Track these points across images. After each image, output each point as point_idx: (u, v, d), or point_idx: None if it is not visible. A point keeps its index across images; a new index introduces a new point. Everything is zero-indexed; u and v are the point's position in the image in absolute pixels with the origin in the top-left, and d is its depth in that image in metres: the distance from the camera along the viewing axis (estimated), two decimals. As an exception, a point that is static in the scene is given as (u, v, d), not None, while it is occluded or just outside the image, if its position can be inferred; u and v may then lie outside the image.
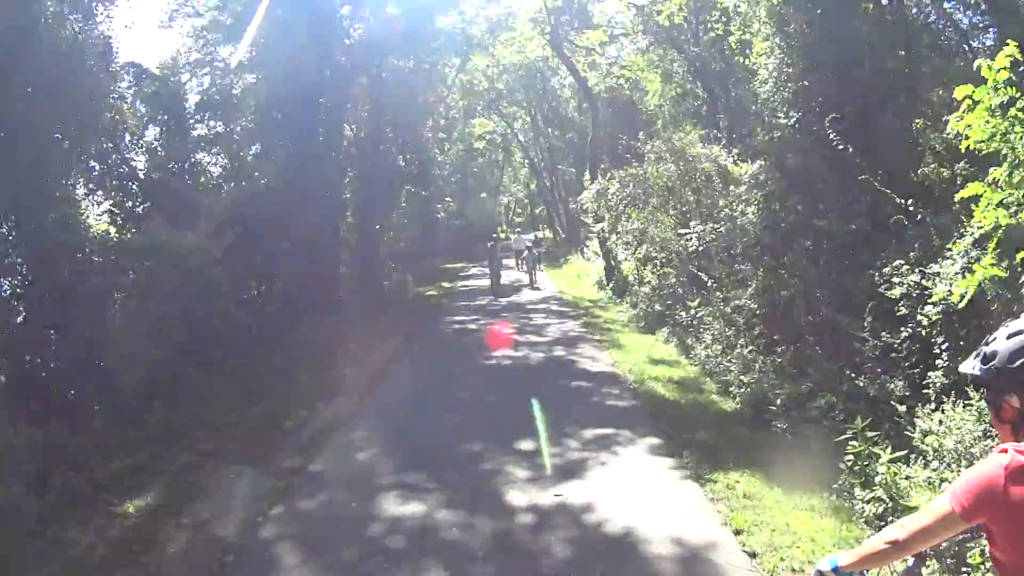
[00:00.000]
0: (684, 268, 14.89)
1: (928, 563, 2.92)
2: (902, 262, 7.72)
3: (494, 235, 44.93)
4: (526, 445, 7.57)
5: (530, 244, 31.20)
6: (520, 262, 30.57)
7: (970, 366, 2.21)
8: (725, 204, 14.35)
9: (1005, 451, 2.01)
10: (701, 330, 12.41)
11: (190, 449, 8.03)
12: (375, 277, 26.53)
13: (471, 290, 25.60)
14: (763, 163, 11.59)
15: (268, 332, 14.31)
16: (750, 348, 10.27)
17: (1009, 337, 2.12)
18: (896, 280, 7.65)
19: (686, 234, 14.21)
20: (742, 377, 9.57)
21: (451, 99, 38.05)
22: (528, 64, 47.32)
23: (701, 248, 13.85)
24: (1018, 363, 2.05)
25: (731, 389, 9.66)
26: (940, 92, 9.34)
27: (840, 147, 9.06)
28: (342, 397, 10.18)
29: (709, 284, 12.39)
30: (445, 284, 28.09)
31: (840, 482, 5.72)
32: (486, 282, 27.45)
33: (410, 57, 27.12)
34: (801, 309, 9.77)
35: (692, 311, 12.97)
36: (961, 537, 2.40)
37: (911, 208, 7.96)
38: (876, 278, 8.03)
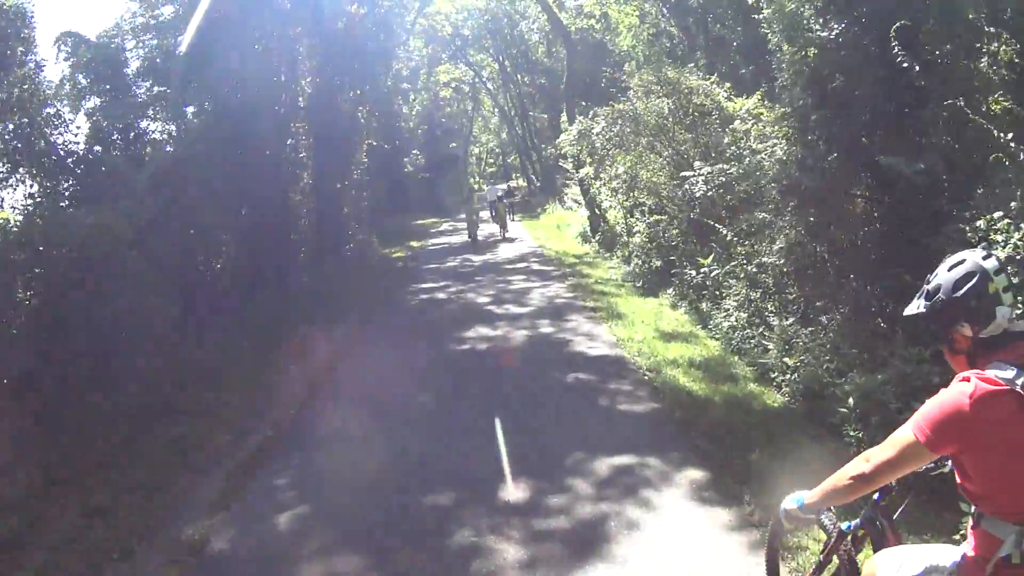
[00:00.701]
0: (685, 217, 12.73)
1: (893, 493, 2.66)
2: (1001, 214, 5.47)
3: (470, 187, 42.91)
4: (515, 494, 5.32)
5: (501, 194, 28.98)
6: (493, 213, 28.42)
7: (915, 307, 2.29)
8: (732, 141, 12.20)
9: (967, 379, 2.03)
10: (719, 293, 10.26)
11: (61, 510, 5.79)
12: (336, 242, 24.14)
13: (441, 249, 23.22)
14: (793, 86, 9.22)
15: (205, 321, 12.09)
16: (787, 319, 8.10)
17: (950, 269, 2.20)
18: (999, 238, 5.40)
19: (691, 177, 11.96)
20: (786, 360, 7.41)
21: (412, 46, 35.10)
22: (494, 8, 44.48)
23: (709, 193, 11.64)
24: (963, 290, 2.13)
25: (773, 375, 7.51)
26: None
27: (905, 65, 6.77)
28: (276, 411, 7.90)
29: (728, 237, 10.22)
30: (414, 243, 25.62)
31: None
32: (457, 238, 25.20)
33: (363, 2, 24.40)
34: (856, 270, 7.59)
35: (706, 269, 10.78)
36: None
37: (1012, 145, 5.69)
38: (968, 233, 5.78)
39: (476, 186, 54.87)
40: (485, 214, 30.20)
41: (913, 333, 6.31)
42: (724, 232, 10.43)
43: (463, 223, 31.59)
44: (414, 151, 38.79)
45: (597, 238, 18.60)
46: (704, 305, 10.66)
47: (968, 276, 2.13)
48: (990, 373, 2.00)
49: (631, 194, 16.69)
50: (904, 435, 2.12)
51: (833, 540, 2.79)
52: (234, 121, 15.30)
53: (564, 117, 20.64)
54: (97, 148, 13.99)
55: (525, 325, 10.98)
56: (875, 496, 2.60)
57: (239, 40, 15.93)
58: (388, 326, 12.17)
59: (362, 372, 9.44)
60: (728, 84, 14.20)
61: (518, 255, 19.28)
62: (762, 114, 11.75)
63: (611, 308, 11.47)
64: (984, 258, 2.18)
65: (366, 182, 29.80)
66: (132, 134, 15.64)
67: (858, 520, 2.73)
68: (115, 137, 14.82)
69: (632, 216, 16.88)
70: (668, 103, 13.94)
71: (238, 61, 15.81)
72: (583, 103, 23.41)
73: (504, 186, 48.50)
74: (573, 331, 10.33)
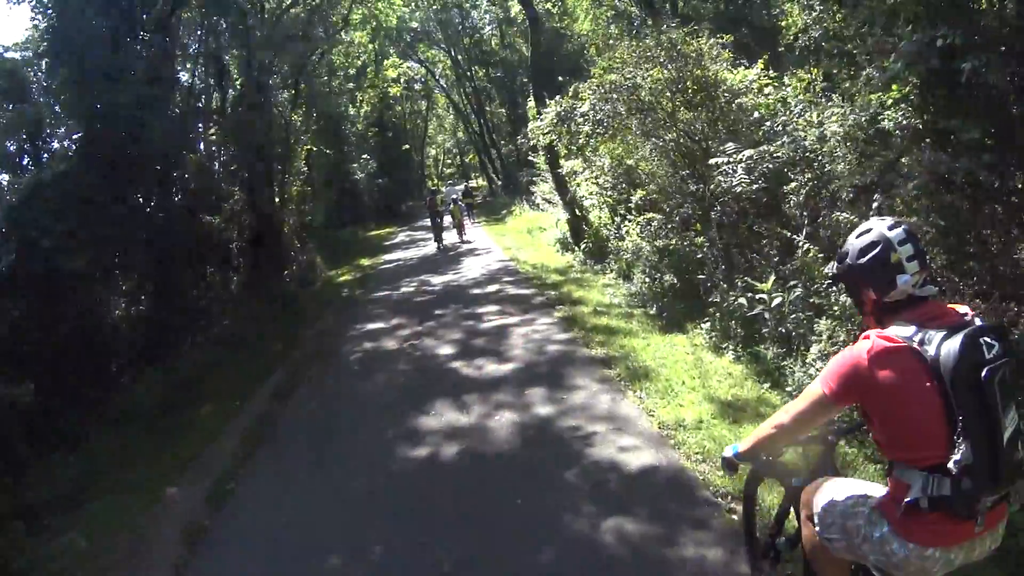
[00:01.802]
0: (715, 219, 9.25)
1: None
2: None
3: (431, 188, 39.34)
4: None
5: (456, 196, 28.00)
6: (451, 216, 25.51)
7: (831, 266, 2.63)
8: (767, 114, 8.84)
9: (868, 337, 2.24)
10: (796, 334, 6.69)
11: None
12: (274, 267, 20.31)
13: (395, 268, 19.31)
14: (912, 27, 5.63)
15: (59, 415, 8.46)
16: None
17: (858, 236, 2.37)
18: None
19: (722, 164, 8.46)
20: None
21: (354, 39, 31.15)
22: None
23: (755, 186, 8.12)
24: (866, 258, 2.31)
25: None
26: None
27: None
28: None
29: (805, 248, 6.73)
30: (364, 261, 21.69)
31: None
32: (414, 252, 21.47)
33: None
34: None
35: (764, 297, 7.22)
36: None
37: None
38: None
39: (435, 187, 51.39)
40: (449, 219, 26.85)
41: None
42: (799, 241, 6.91)
43: (420, 232, 28.08)
44: (364, 156, 34.77)
45: (583, 246, 14.95)
46: (769, 350, 7.10)
47: (872, 245, 2.29)
48: (890, 331, 2.21)
49: (621, 189, 13.20)
50: (814, 389, 2.36)
51: (789, 493, 3.00)
52: (114, 135, 11.50)
53: (530, 104, 16.91)
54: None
55: (510, 401, 7.17)
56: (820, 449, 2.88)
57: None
58: (310, 413, 8.13)
59: (260, 517, 5.63)
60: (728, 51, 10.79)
61: (487, 273, 15.48)
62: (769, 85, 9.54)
63: (630, 358, 7.76)
64: (890, 228, 2.28)
65: (309, 193, 25.89)
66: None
67: (808, 473, 2.89)
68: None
69: (619, 215, 13.40)
70: (671, 71, 10.46)
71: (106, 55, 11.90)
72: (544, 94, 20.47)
73: (463, 186, 44.88)
74: (585, 411, 6.54)
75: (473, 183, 54.41)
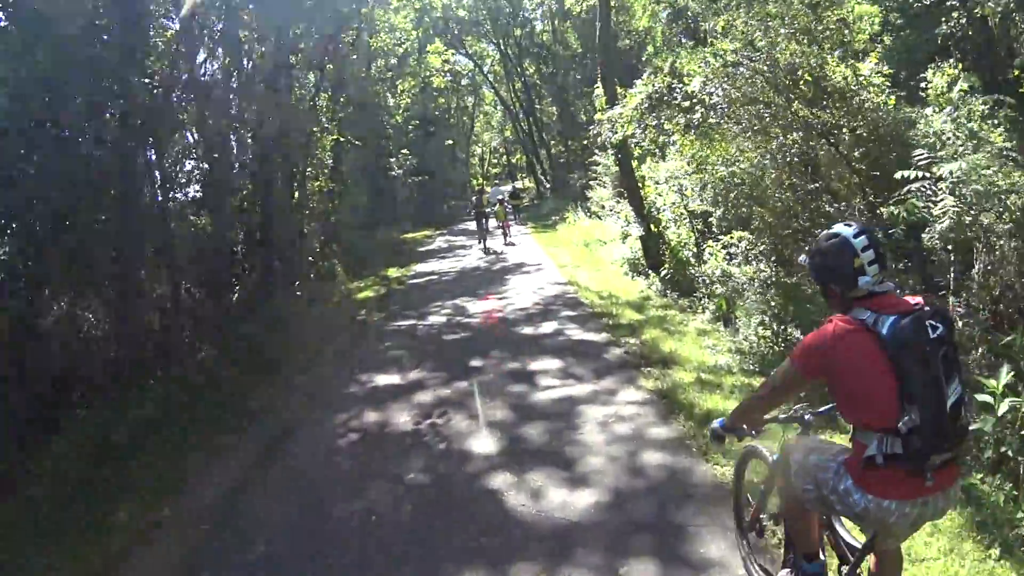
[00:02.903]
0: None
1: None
2: None
3: (477, 188, 37.77)
4: None
5: (501, 196, 26.72)
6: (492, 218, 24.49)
7: (803, 260, 2.87)
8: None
9: (831, 321, 2.58)
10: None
11: None
12: (287, 278, 17.26)
13: (426, 284, 15.97)
14: None
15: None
16: None
17: (828, 240, 2.67)
18: None
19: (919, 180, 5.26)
20: None
21: (394, 22, 28.06)
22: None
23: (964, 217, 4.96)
24: (833, 261, 2.62)
25: None
26: None
27: None
28: None
29: None
30: (392, 272, 18.35)
31: None
32: (450, 263, 18.20)
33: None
34: None
35: (996, 398, 4.15)
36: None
37: None
38: None
39: (481, 187, 48.31)
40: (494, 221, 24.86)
41: None
42: None
43: (460, 238, 25.02)
44: (403, 151, 31.63)
45: (664, 273, 11.51)
46: (992, 488, 4.04)
47: (839, 251, 2.60)
48: (850, 315, 2.56)
49: (722, 202, 9.90)
50: (786, 365, 2.71)
51: (770, 471, 3.37)
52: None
53: (596, 90, 13.49)
54: None
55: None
56: (798, 430, 3.25)
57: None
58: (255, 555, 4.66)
59: None
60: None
61: (540, 301, 12.02)
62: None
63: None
64: (855, 235, 2.59)
65: (337, 191, 22.77)
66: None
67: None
68: None
69: (710, 235, 10.17)
70: (805, 48, 7.27)
71: None
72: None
73: (508, 188, 41.61)
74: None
75: (519, 184, 51.11)
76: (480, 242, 21.40)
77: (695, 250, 11.15)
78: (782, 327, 7.69)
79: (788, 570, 3.21)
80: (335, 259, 19.19)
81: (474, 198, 23.93)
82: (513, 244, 22.03)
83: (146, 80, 10.17)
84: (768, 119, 8.10)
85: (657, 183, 12.65)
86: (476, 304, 12.26)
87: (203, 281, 14.34)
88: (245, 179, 17.59)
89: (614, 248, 15.85)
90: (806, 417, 3.21)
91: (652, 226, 12.62)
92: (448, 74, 35.27)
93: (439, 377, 8.20)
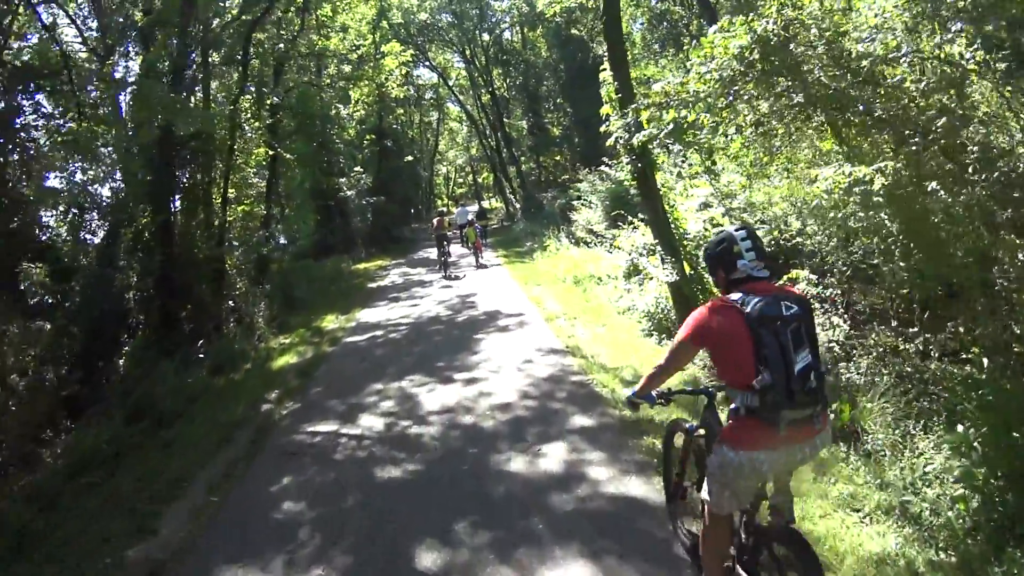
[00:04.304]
0: None
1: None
2: None
3: (439, 210, 34.64)
4: None
5: (471, 218, 24.38)
6: (463, 240, 23.01)
7: (701, 254, 3.82)
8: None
9: (712, 301, 3.15)
10: None
11: None
12: (196, 332, 13.19)
13: (372, 341, 11.54)
14: None
15: None
16: None
17: (716, 235, 3.27)
18: None
19: None
20: None
21: (342, 22, 23.98)
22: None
23: None
24: (718, 249, 3.17)
25: None
26: None
27: None
28: None
29: None
30: (330, 321, 13.96)
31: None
32: (404, 309, 14.03)
33: None
34: None
35: None
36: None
37: None
38: None
39: (444, 208, 44.24)
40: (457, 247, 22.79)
41: None
42: None
43: (418, 270, 21.08)
44: (356, 168, 27.43)
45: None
46: None
47: (722, 240, 3.18)
48: (726, 297, 3.08)
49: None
50: (679, 337, 3.22)
51: (686, 438, 4.00)
52: None
53: (604, 72, 9.45)
54: None
55: None
56: (705, 402, 3.72)
57: None
58: None
59: None
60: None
61: (530, 387, 7.77)
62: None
63: None
64: (736, 230, 3.19)
65: (261, 216, 18.47)
66: None
67: (698, 422, 3.83)
68: None
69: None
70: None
71: None
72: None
73: (474, 207, 37.63)
74: None
75: (487, 203, 47.03)
76: (441, 269, 19.18)
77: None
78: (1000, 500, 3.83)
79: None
80: (261, 303, 14.95)
81: (435, 220, 21.06)
82: (485, 267, 19.77)
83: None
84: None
85: (707, 205, 8.74)
86: (433, 392, 8.05)
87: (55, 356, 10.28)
88: (135, 201, 13.38)
89: (615, 290, 11.86)
90: (709, 389, 3.76)
91: (689, 266, 8.68)
92: (407, 82, 31.02)
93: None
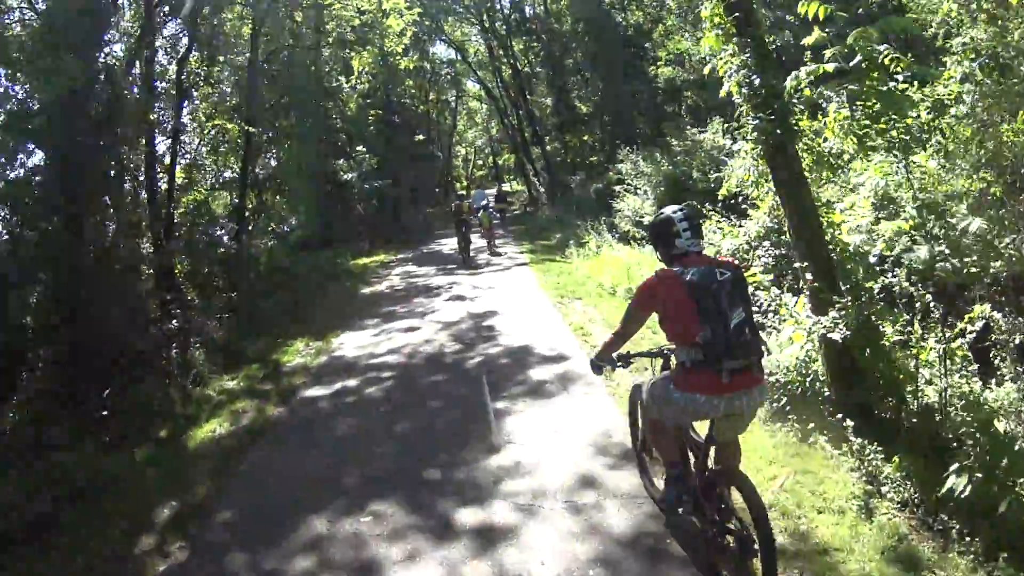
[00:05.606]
0: None
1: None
2: None
3: (459, 194, 33.37)
4: None
5: (486, 201, 23.39)
6: (477, 223, 20.70)
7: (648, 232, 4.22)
8: None
9: (656, 273, 3.54)
10: None
11: None
12: (121, 379, 9.53)
13: (340, 398, 7.76)
14: None
15: None
16: None
17: (657, 216, 3.71)
18: None
19: None
20: None
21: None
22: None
23: None
24: (658, 227, 3.62)
25: None
26: None
27: None
28: None
29: None
30: (295, 354, 10.04)
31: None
32: (397, 339, 10.09)
33: None
34: None
35: None
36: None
37: None
38: None
39: (463, 192, 40.44)
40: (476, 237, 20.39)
41: None
42: None
43: (427, 266, 17.63)
44: (359, 147, 23.70)
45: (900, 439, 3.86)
46: None
47: (663, 220, 3.62)
48: (669, 268, 3.53)
49: None
50: (631, 305, 3.69)
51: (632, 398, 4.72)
52: None
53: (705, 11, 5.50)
54: None
55: None
56: (661, 363, 4.13)
57: None
58: None
59: None
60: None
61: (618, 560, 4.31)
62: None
63: None
64: (675, 212, 3.62)
65: (247, 208, 14.73)
66: None
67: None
68: None
69: None
70: None
71: None
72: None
73: (492, 191, 33.77)
74: None
75: (507, 186, 42.96)
76: (461, 254, 18.27)
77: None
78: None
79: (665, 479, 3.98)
80: (214, 322, 11.30)
81: (454, 205, 20.29)
82: (499, 254, 18.96)
83: None
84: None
85: (890, 201, 4.96)
86: (414, 566, 4.34)
87: None
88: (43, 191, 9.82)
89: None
90: (665, 352, 4.07)
91: (854, 306, 4.89)
92: (415, 49, 27.16)
93: None
